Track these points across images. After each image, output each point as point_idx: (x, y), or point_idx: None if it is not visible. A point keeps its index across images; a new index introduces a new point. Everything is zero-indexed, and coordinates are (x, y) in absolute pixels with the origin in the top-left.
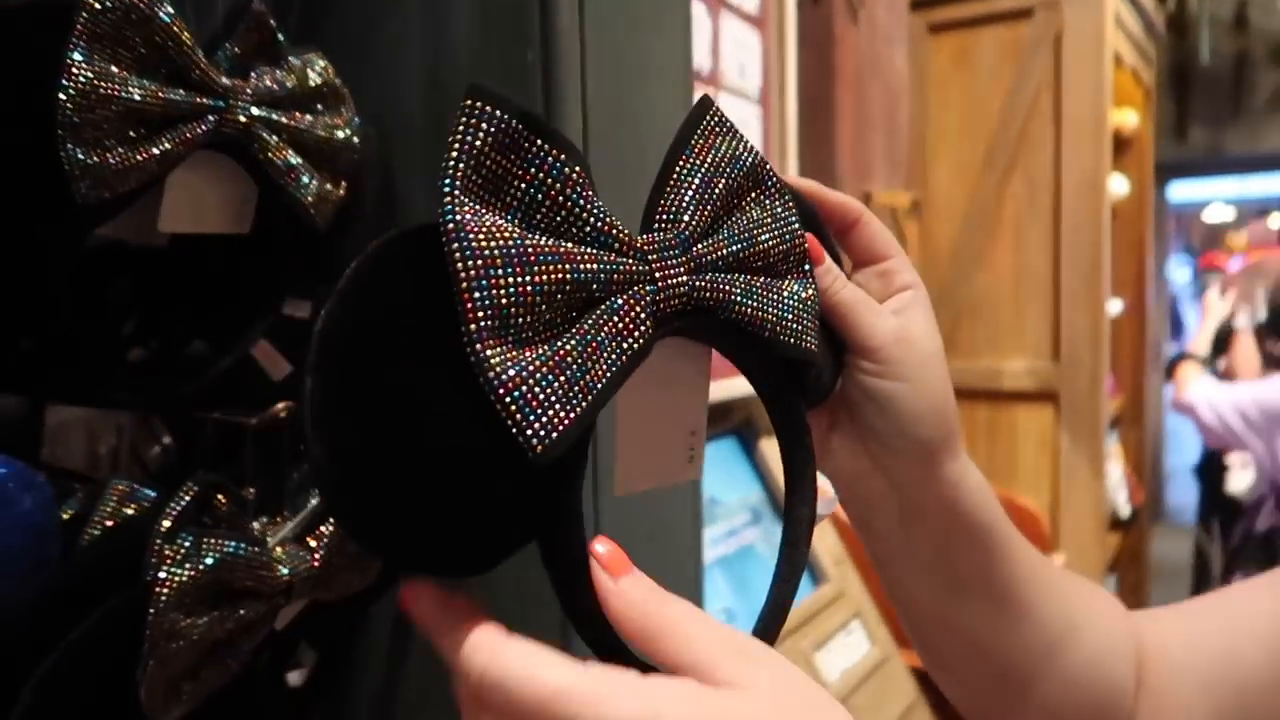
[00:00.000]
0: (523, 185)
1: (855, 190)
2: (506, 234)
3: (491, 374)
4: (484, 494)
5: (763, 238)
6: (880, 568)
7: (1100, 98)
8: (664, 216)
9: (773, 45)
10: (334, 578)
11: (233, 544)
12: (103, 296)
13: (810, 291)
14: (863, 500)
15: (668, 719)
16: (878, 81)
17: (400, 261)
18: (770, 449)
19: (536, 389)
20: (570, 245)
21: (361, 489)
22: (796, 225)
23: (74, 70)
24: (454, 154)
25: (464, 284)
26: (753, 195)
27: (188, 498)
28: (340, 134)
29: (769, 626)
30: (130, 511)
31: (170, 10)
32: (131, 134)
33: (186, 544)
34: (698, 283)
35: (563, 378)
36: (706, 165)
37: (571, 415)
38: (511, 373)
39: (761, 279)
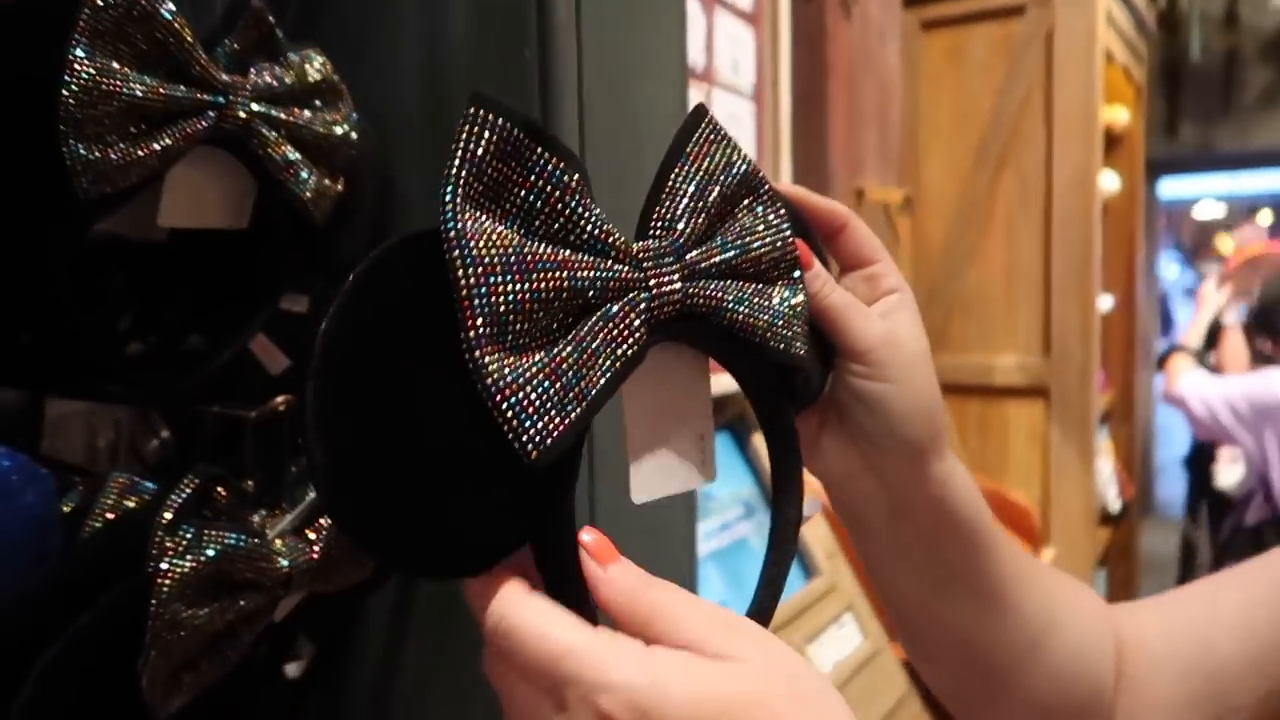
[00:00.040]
0: (522, 192)
1: (847, 186)
2: (506, 241)
3: (489, 380)
4: (481, 497)
5: (755, 245)
6: (869, 566)
7: (1091, 94)
8: (659, 224)
9: (766, 41)
10: (333, 570)
11: (233, 536)
12: (101, 291)
13: (800, 297)
14: (853, 500)
15: (667, 686)
16: (870, 78)
17: (400, 268)
18: (763, 444)
19: (533, 395)
20: (568, 253)
21: (360, 492)
22: (788, 232)
23: (76, 66)
24: (456, 161)
25: (464, 291)
26: (746, 202)
27: (189, 490)
28: (338, 130)
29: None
30: (131, 504)
31: (172, 7)
32: (133, 129)
33: (188, 536)
34: (691, 289)
35: (558, 384)
36: (701, 173)
37: (566, 421)
38: (509, 379)
39: (753, 285)
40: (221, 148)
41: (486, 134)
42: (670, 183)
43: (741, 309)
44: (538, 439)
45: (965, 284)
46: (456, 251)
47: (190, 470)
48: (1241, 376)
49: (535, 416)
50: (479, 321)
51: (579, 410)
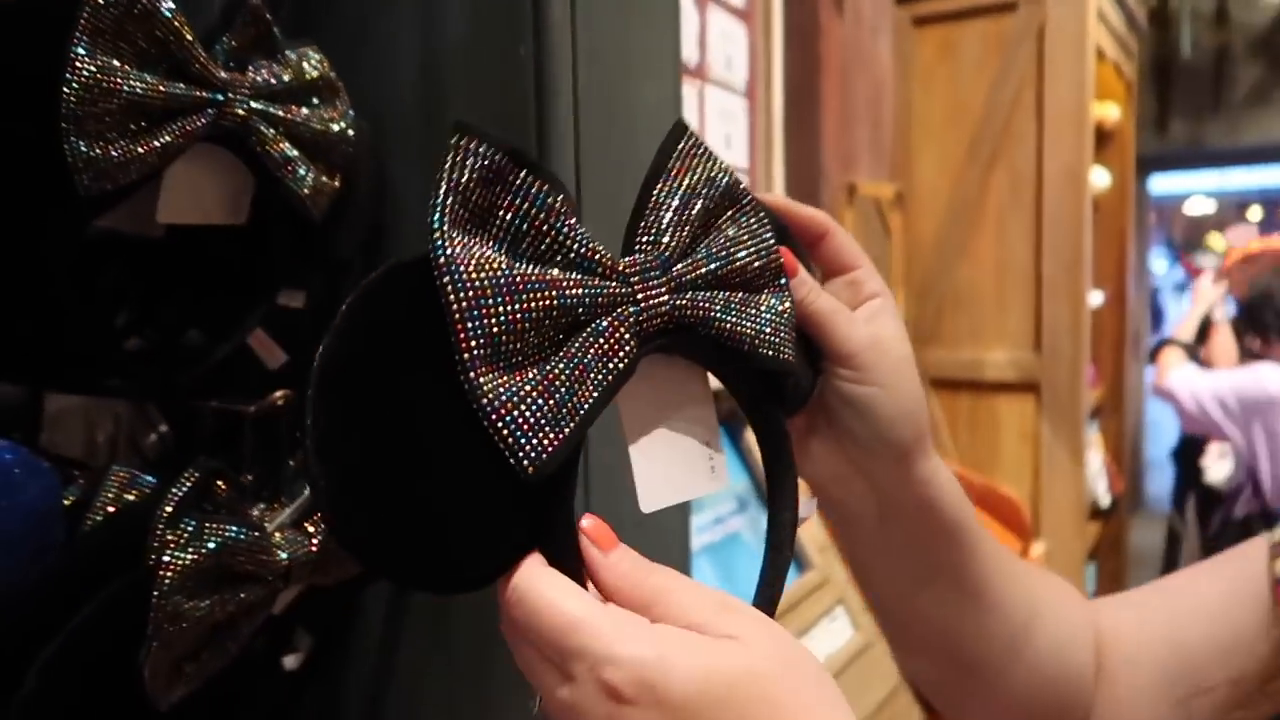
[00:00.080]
0: (508, 215)
1: (839, 181)
2: (495, 265)
3: (485, 400)
4: (482, 513)
5: (740, 255)
6: (856, 565)
7: (1082, 91)
8: (644, 239)
9: (759, 38)
10: (331, 563)
11: (234, 529)
12: (100, 286)
13: (787, 304)
14: (842, 502)
15: (673, 661)
16: (862, 74)
17: (392, 294)
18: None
19: (527, 412)
20: (555, 272)
21: (364, 513)
22: (771, 240)
23: (78, 65)
24: (442, 190)
25: (456, 315)
26: (729, 214)
27: (189, 484)
28: (335, 127)
29: None
30: (131, 497)
31: (171, 5)
32: (133, 127)
33: (189, 529)
34: (679, 301)
35: (552, 400)
36: (684, 188)
37: (561, 436)
38: (504, 398)
39: (740, 294)
40: (220, 144)
41: (470, 161)
42: (654, 198)
43: (729, 318)
44: (534, 454)
45: (957, 279)
46: (447, 277)
47: (190, 464)
48: (1230, 372)
49: (531, 433)
50: (472, 343)
51: (573, 425)
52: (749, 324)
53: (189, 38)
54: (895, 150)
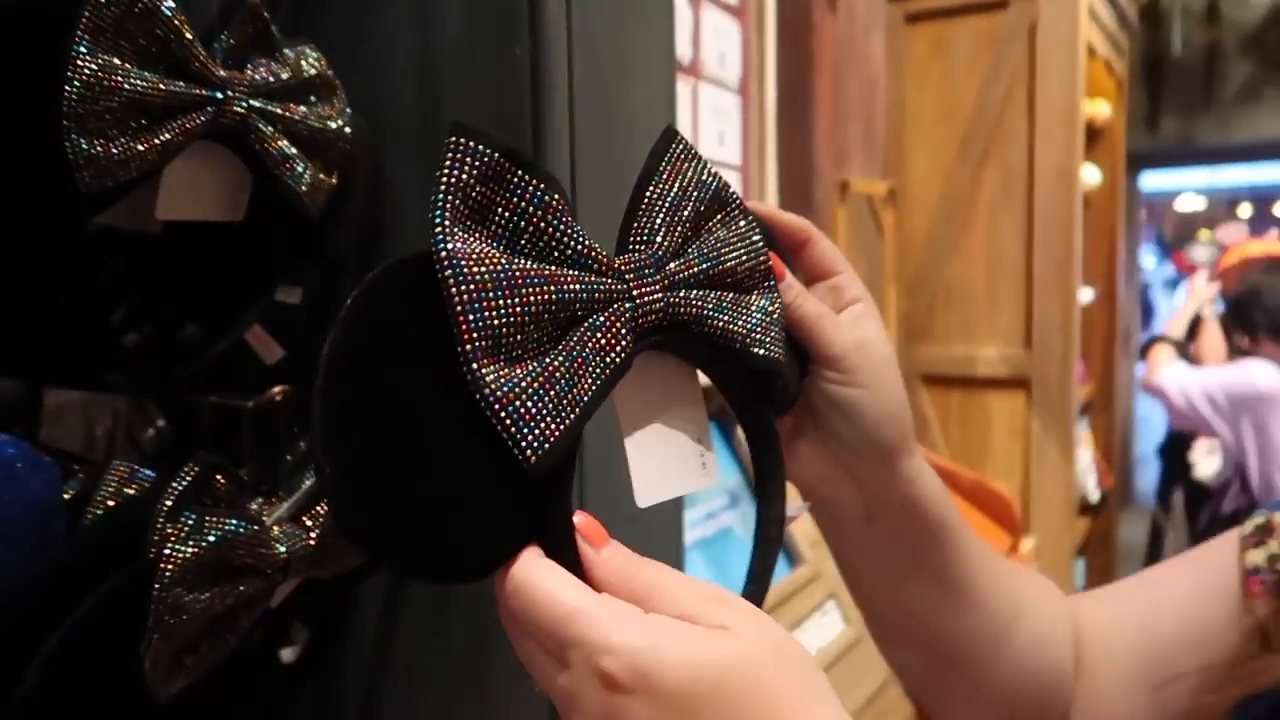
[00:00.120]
0: (506, 213)
1: (832, 178)
2: (495, 259)
3: (487, 391)
4: (484, 503)
5: (730, 256)
6: (844, 564)
7: (1073, 88)
8: (638, 239)
9: (752, 35)
10: (329, 556)
11: (233, 523)
12: (98, 282)
13: (776, 305)
14: (830, 502)
15: (667, 650)
16: (855, 71)
17: (395, 289)
18: None
19: (529, 403)
20: (554, 267)
21: (370, 504)
22: (760, 243)
23: (79, 63)
24: (442, 188)
25: (458, 308)
26: (719, 217)
27: (189, 478)
28: (333, 125)
29: None
30: (131, 491)
31: (172, 4)
32: (133, 125)
33: (190, 522)
34: (672, 299)
35: (552, 392)
36: (675, 190)
37: (562, 427)
38: (505, 389)
39: (731, 295)
40: (218, 142)
41: (469, 160)
42: (646, 200)
43: (721, 317)
44: (536, 445)
45: (948, 276)
46: (449, 270)
47: (190, 458)
48: (1219, 368)
49: (532, 423)
50: (474, 335)
51: (573, 416)
52: (740, 324)
53: (189, 36)
54: (888, 147)
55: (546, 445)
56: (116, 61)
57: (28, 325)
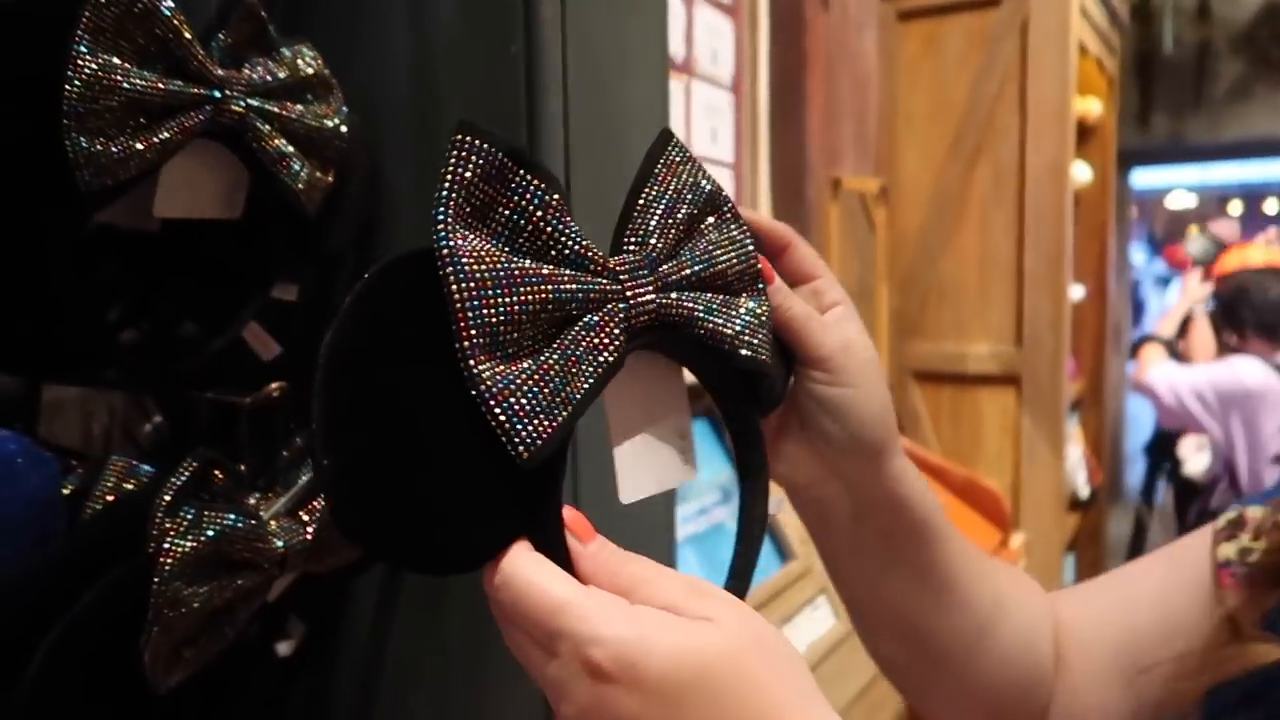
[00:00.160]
0: (507, 212)
1: (824, 175)
2: (494, 258)
3: (483, 386)
4: (478, 497)
5: (721, 258)
6: (830, 562)
7: (1065, 86)
8: (632, 240)
9: (745, 32)
10: (325, 551)
11: (232, 517)
12: (96, 279)
13: (764, 308)
14: (816, 501)
15: (653, 641)
16: (847, 68)
17: (394, 285)
18: None
19: (523, 400)
20: (551, 267)
21: (367, 498)
22: (750, 246)
23: (79, 62)
24: (446, 185)
25: (457, 304)
26: (712, 220)
27: (187, 473)
28: (329, 123)
29: None
30: (130, 487)
31: (171, 4)
32: (132, 123)
33: (188, 517)
34: (664, 300)
35: (546, 389)
36: (669, 193)
37: (555, 423)
38: (501, 385)
39: (721, 296)
40: (216, 140)
41: (473, 158)
42: (640, 202)
43: (711, 318)
44: (529, 440)
45: (939, 273)
46: (450, 267)
47: (188, 454)
48: (1208, 366)
49: (526, 419)
50: (472, 332)
51: (566, 413)
52: (729, 325)
53: (188, 36)
54: (880, 144)
55: (539, 441)
56: (116, 61)
57: (26, 322)
